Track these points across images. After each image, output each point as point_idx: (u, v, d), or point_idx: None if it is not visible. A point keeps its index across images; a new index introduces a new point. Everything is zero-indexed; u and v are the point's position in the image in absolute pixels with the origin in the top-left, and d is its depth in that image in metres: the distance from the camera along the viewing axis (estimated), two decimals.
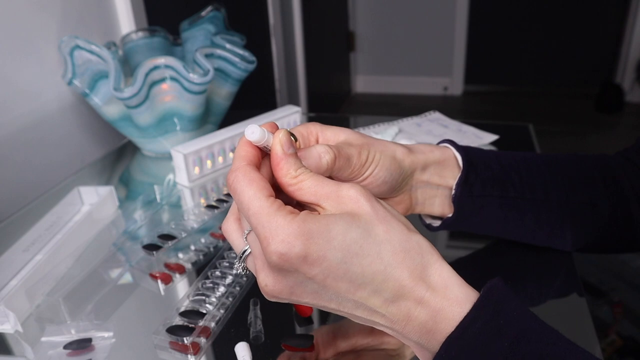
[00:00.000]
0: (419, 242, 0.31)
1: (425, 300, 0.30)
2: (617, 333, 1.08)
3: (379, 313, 0.31)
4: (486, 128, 0.88)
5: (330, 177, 0.37)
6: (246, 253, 0.33)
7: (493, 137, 0.85)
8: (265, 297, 0.32)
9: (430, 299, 0.30)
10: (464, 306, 0.29)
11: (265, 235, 0.29)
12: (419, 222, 0.49)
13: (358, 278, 0.30)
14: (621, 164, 0.51)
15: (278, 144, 0.32)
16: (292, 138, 0.34)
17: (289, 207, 0.30)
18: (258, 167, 0.33)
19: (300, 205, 0.33)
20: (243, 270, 0.35)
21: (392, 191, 0.42)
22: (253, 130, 0.32)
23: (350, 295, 0.30)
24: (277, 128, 0.34)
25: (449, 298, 0.30)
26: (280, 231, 0.29)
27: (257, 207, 0.30)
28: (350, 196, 0.31)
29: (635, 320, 1.10)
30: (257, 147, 0.33)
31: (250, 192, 0.30)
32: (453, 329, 0.29)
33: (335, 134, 0.39)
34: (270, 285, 0.31)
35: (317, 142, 0.38)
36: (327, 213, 0.31)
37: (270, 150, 0.32)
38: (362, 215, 0.30)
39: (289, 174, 0.31)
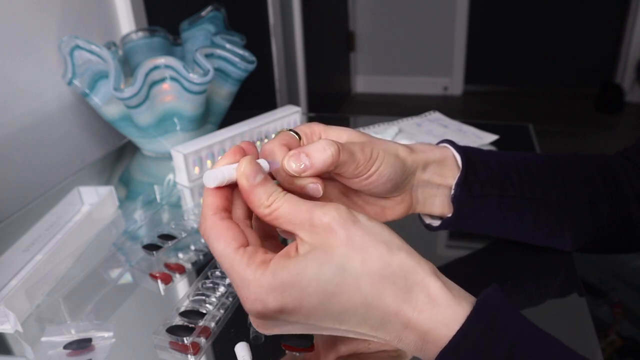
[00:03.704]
0: (401, 264, 0.30)
1: (412, 323, 0.30)
2: (617, 333, 1.08)
3: (369, 335, 0.31)
4: (486, 128, 0.88)
5: (337, 175, 0.38)
6: None
7: (493, 137, 0.85)
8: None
9: (417, 321, 0.29)
10: (452, 327, 0.29)
11: (239, 293, 0.30)
12: (419, 222, 0.49)
13: (340, 314, 0.30)
14: (621, 164, 0.51)
15: (242, 178, 0.31)
16: (297, 136, 0.34)
17: (260, 257, 0.30)
18: (228, 208, 0.32)
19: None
20: None
21: (395, 189, 0.42)
22: (209, 176, 0.31)
23: (337, 326, 0.30)
24: (244, 153, 0.33)
25: (436, 320, 0.29)
26: (253, 289, 0.29)
27: (227, 263, 0.30)
28: (325, 225, 0.30)
29: (635, 320, 1.10)
30: (222, 189, 0.32)
31: (220, 246, 0.30)
32: (443, 347, 0.29)
33: (338, 134, 0.39)
34: (259, 326, 0.32)
35: None
36: (304, 245, 0.30)
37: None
38: (335, 247, 0.29)
39: (262, 205, 0.31)
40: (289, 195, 0.31)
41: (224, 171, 0.32)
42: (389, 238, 0.31)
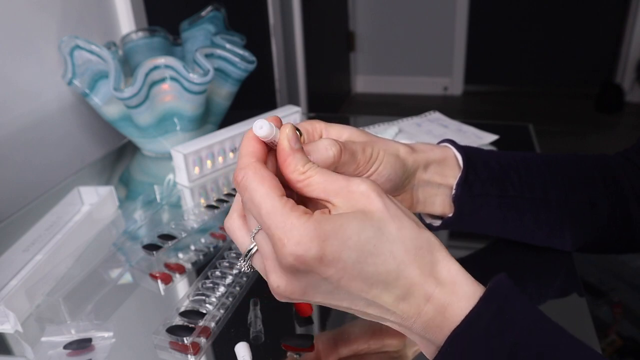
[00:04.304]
0: (429, 239, 0.31)
1: (434, 296, 0.30)
2: (617, 333, 1.08)
3: (390, 311, 0.31)
4: (486, 128, 0.88)
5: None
6: (252, 251, 0.33)
7: (493, 137, 0.85)
8: (276, 297, 0.31)
9: (439, 294, 0.30)
10: (471, 301, 0.29)
11: (279, 237, 0.28)
12: None
13: (372, 277, 0.29)
14: (621, 164, 0.51)
15: (285, 140, 0.31)
16: (298, 133, 0.33)
17: (302, 207, 0.30)
18: (266, 163, 0.32)
19: (307, 203, 0.33)
20: (248, 269, 0.34)
21: (395, 189, 0.42)
22: (262, 125, 0.31)
23: (364, 294, 0.30)
24: (281, 123, 0.33)
25: (457, 293, 0.30)
26: (296, 232, 0.28)
27: (270, 207, 0.29)
28: (362, 192, 0.30)
29: (635, 320, 1.10)
30: (264, 142, 0.32)
31: (263, 190, 0.29)
32: (457, 326, 0.29)
33: (339, 131, 0.39)
34: (282, 286, 0.30)
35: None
36: (339, 211, 0.30)
37: (276, 145, 0.32)
38: (374, 212, 0.30)
39: (297, 170, 0.31)
40: (323, 168, 0.32)
41: (274, 128, 0.31)
42: (415, 217, 0.32)
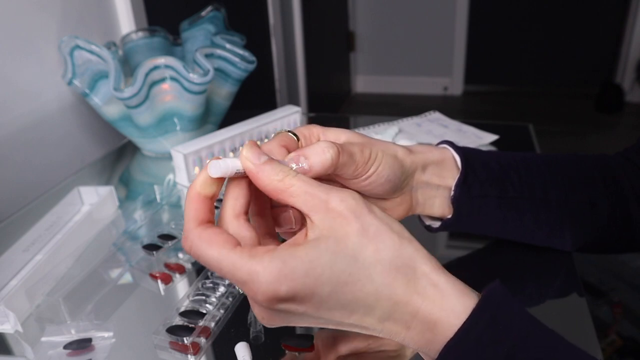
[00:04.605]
0: (412, 254, 0.30)
1: (420, 312, 0.30)
2: (617, 333, 1.08)
3: (376, 329, 0.31)
4: (486, 128, 0.88)
5: (335, 176, 0.37)
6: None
7: (493, 137, 0.85)
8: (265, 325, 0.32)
9: (425, 310, 0.29)
10: (461, 316, 0.29)
11: (249, 287, 0.28)
12: (419, 224, 0.49)
13: (350, 304, 0.29)
14: (621, 164, 0.51)
15: (246, 162, 0.30)
16: (295, 138, 0.33)
17: (261, 248, 0.29)
18: (211, 219, 0.31)
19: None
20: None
21: (394, 191, 0.42)
22: (213, 166, 0.30)
23: (345, 320, 0.30)
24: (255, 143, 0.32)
25: (445, 309, 0.29)
26: (262, 278, 0.28)
27: (228, 264, 0.28)
28: (340, 212, 0.29)
29: (635, 320, 1.10)
30: (206, 198, 0.31)
31: (214, 252, 0.29)
32: (449, 339, 0.29)
33: (336, 135, 0.39)
34: (266, 318, 0.31)
35: None
36: (315, 230, 0.29)
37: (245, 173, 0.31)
38: (349, 236, 0.29)
39: (273, 180, 0.30)
40: (301, 175, 0.31)
41: (228, 161, 0.31)
42: (400, 230, 0.31)
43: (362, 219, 0.29)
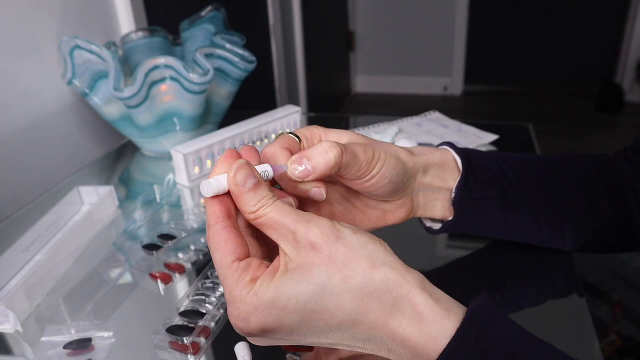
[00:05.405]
0: (385, 279, 0.29)
1: (399, 336, 0.29)
2: (617, 333, 1.08)
3: (359, 347, 0.31)
4: (486, 128, 0.88)
5: (339, 177, 0.38)
6: None
7: (493, 137, 0.85)
8: None
9: (404, 335, 0.29)
10: (439, 342, 0.29)
11: (228, 307, 0.31)
12: (418, 225, 0.49)
13: (324, 330, 0.30)
14: (621, 164, 0.51)
15: (232, 185, 0.31)
16: (297, 139, 0.33)
17: (250, 275, 0.30)
18: (231, 214, 0.32)
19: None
20: None
21: (397, 192, 0.41)
22: (206, 187, 0.31)
23: (323, 342, 0.31)
24: (238, 156, 0.33)
25: (424, 334, 0.29)
26: (237, 306, 0.30)
27: (222, 276, 0.31)
28: (306, 243, 0.29)
29: (635, 320, 1.10)
30: (223, 198, 0.32)
31: (217, 258, 0.31)
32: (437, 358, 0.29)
33: (338, 136, 0.39)
34: (247, 337, 0.32)
35: None
36: (288, 262, 0.30)
37: None
38: (316, 266, 0.29)
39: (247, 211, 0.31)
40: (278, 203, 0.31)
41: (220, 179, 0.31)
42: (373, 252, 0.30)
43: (330, 248, 0.29)
